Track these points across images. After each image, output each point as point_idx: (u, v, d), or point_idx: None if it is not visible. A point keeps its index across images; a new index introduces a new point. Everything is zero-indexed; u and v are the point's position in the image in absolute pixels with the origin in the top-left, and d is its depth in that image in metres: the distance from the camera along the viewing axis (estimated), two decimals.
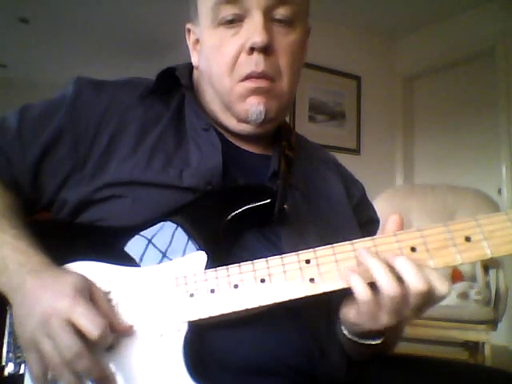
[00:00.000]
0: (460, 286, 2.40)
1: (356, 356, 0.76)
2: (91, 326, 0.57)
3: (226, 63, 0.76)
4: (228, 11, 0.74)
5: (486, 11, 3.90)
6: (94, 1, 3.89)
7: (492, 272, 2.46)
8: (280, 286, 0.63)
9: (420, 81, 4.62)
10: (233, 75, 0.76)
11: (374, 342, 0.68)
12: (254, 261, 0.64)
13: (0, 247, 0.66)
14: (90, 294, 0.62)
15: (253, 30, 0.73)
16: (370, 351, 0.73)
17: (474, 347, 2.39)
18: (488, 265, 2.43)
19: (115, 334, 0.61)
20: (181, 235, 0.69)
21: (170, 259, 0.67)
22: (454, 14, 4.06)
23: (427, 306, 0.61)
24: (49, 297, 0.60)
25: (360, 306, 0.61)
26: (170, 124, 0.81)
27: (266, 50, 0.74)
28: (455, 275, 2.47)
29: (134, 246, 0.69)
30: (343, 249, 0.63)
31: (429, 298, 0.59)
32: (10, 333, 0.67)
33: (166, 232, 0.69)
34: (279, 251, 0.66)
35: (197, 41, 0.83)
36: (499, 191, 3.78)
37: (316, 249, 0.64)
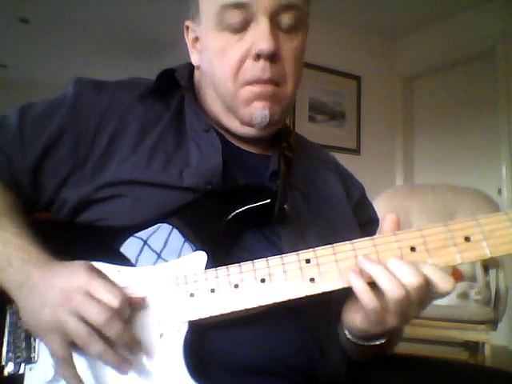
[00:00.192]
0: (460, 286, 2.40)
1: (357, 357, 0.76)
2: (111, 296, 0.58)
3: (231, 67, 0.75)
4: (234, 17, 0.73)
5: (486, 11, 3.90)
6: (93, 1, 3.89)
7: (492, 272, 2.46)
8: (280, 286, 0.63)
9: (420, 81, 4.62)
10: (237, 80, 0.76)
11: (378, 342, 0.68)
12: (254, 260, 0.64)
13: (3, 245, 0.66)
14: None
15: (259, 36, 0.73)
16: (372, 352, 0.73)
17: (474, 347, 2.39)
18: (488, 265, 2.43)
19: (130, 308, 0.62)
20: (176, 237, 0.69)
21: (166, 261, 0.68)
22: (454, 14, 4.06)
23: (429, 301, 0.61)
24: (63, 279, 0.61)
25: (369, 314, 0.61)
26: (170, 124, 0.81)
27: (273, 57, 0.74)
28: (455, 275, 2.47)
29: (129, 247, 0.69)
30: (343, 248, 0.63)
31: (428, 292, 0.59)
32: (9, 332, 0.67)
33: (162, 233, 0.69)
34: (279, 251, 0.66)
35: (196, 39, 0.82)
36: (499, 191, 3.78)
37: (316, 248, 0.64)
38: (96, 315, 0.58)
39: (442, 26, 4.23)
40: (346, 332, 0.70)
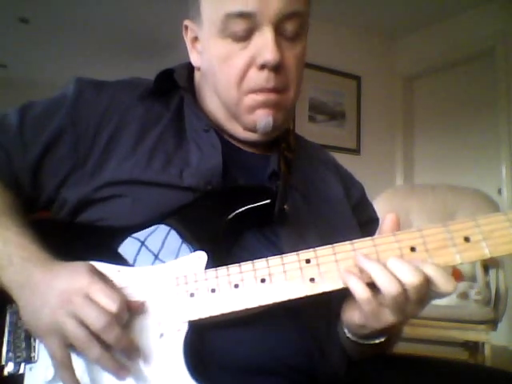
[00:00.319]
0: (460, 286, 2.40)
1: (357, 356, 0.76)
2: (110, 300, 0.58)
3: (235, 76, 0.75)
4: (239, 26, 0.72)
5: (486, 11, 3.90)
6: (94, 1, 3.89)
7: (492, 272, 2.46)
8: (280, 286, 0.63)
9: (420, 81, 4.62)
10: (241, 87, 0.76)
11: (377, 341, 0.68)
12: (255, 261, 0.64)
13: (4, 244, 0.66)
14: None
15: (264, 47, 0.72)
16: (372, 351, 0.73)
17: (474, 347, 2.39)
18: (488, 265, 2.43)
19: (129, 312, 0.61)
20: (174, 238, 0.69)
21: (163, 262, 0.68)
22: (454, 14, 4.07)
23: (429, 300, 0.62)
24: (63, 280, 0.61)
25: (362, 307, 0.61)
26: (170, 125, 0.81)
27: (277, 67, 0.74)
28: (455, 275, 2.47)
29: (127, 248, 0.69)
30: (343, 248, 0.63)
31: (428, 290, 0.59)
32: (9, 332, 0.67)
33: (160, 234, 0.69)
34: (279, 251, 0.66)
35: (195, 38, 0.82)
36: (499, 191, 3.78)
37: (316, 249, 0.64)
38: (94, 319, 0.57)
39: (442, 26, 4.23)
40: (346, 330, 0.70)
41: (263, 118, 0.77)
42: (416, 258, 0.61)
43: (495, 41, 3.87)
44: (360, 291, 0.60)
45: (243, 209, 0.70)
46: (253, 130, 0.79)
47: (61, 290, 0.60)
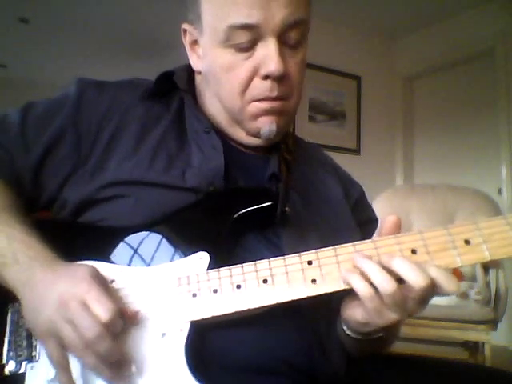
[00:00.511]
0: (460, 286, 2.41)
1: (356, 353, 0.76)
2: (102, 309, 0.57)
3: (239, 85, 0.75)
4: (242, 37, 0.72)
5: (486, 11, 3.90)
6: (94, 1, 3.89)
7: (492, 272, 2.46)
8: (282, 287, 0.63)
9: (420, 81, 4.62)
10: (245, 96, 0.76)
11: (376, 336, 0.68)
12: (257, 262, 0.65)
13: (10, 241, 0.66)
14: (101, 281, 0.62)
15: (268, 58, 0.72)
16: (371, 347, 0.73)
17: (473, 347, 2.39)
18: (488, 265, 2.43)
19: (124, 321, 0.61)
20: (166, 247, 0.69)
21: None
22: (454, 14, 4.06)
23: (431, 298, 0.62)
24: (64, 283, 0.60)
25: (366, 304, 0.62)
26: (171, 126, 0.81)
27: (281, 78, 0.74)
28: (455, 275, 2.46)
29: (120, 253, 0.69)
30: (345, 250, 0.64)
31: (433, 292, 0.60)
32: (11, 331, 0.67)
33: (152, 243, 0.70)
34: (281, 252, 0.66)
35: (195, 42, 0.82)
36: (499, 191, 3.78)
37: (318, 250, 0.64)
38: (86, 330, 0.57)
39: (442, 26, 4.23)
40: (345, 328, 0.70)
41: (267, 125, 0.77)
42: (417, 261, 0.61)
43: (495, 41, 3.87)
44: (363, 289, 0.60)
45: (245, 210, 0.70)
46: (256, 135, 0.80)
47: (59, 293, 0.59)
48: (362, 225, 0.88)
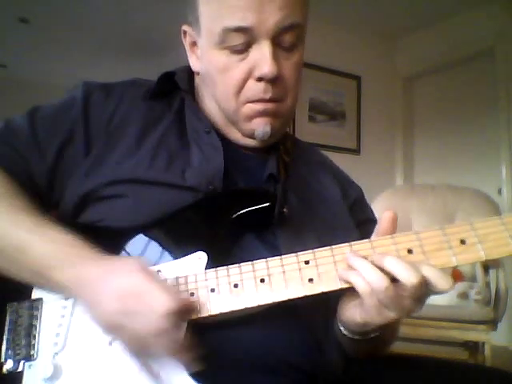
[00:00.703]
0: (460, 286, 2.40)
1: (353, 354, 0.77)
2: (164, 299, 0.57)
3: (233, 86, 0.76)
4: (237, 40, 0.73)
5: (486, 11, 3.90)
6: (93, 1, 3.89)
7: (492, 272, 2.46)
8: (279, 286, 0.63)
9: (420, 81, 4.62)
10: (239, 98, 0.77)
11: (373, 335, 0.68)
12: (254, 261, 0.65)
13: (56, 244, 0.65)
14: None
15: (262, 60, 0.73)
16: (368, 347, 0.73)
17: (473, 347, 2.39)
18: (488, 265, 2.43)
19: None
20: (156, 247, 0.69)
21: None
22: (454, 14, 4.07)
23: (428, 296, 0.62)
24: (120, 277, 0.60)
25: (365, 301, 0.62)
26: (172, 125, 0.82)
27: (275, 80, 0.75)
28: (455, 275, 2.47)
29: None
30: (342, 250, 0.64)
31: (427, 289, 0.60)
32: (9, 330, 0.67)
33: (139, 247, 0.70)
34: (278, 252, 0.67)
35: (194, 43, 0.83)
36: (499, 191, 3.78)
37: (315, 250, 0.65)
38: (150, 321, 0.57)
39: (442, 26, 4.23)
40: (342, 328, 0.70)
41: (261, 127, 0.78)
42: (413, 260, 0.61)
43: (495, 41, 3.87)
44: (362, 285, 0.61)
45: (244, 211, 0.71)
46: (251, 136, 0.80)
47: (118, 287, 0.59)
48: (361, 225, 0.89)
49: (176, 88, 0.86)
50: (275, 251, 0.69)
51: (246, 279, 0.64)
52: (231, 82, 0.76)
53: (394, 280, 0.60)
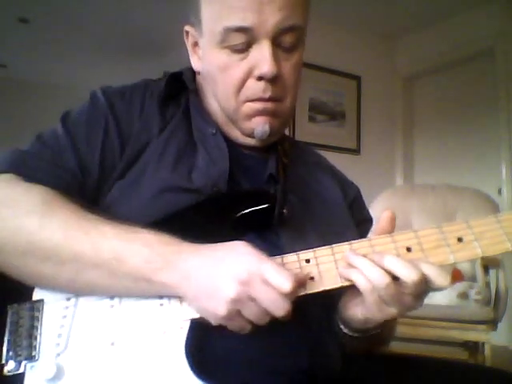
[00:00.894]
0: (460, 286, 2.41)
1: (351, 350, 0.77)
2: (283, 280, 0.58)
3: (233, 85, 0.77)
4: (237, 39, 0.74)
5: (486, 11, 3.90)
6: (94, 1, 3.89)
7: (492, 272, 2.46)
8: None
9: (420, 81, 4.62)
10: (239, 97, 0.78)
11: (373, 332, 0.69)
12: None
13: (150, 246, 0.64)
14: None
15: (261, 60, 0.74)
16: (367, 344, 0.74)
17: (473, 347, 2.39)
18: (488, 265, 2.43)
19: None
20: None
21: None
22: (454, 14, 4.07)
23: (427, 293, 0.63)
24: (231, 263, 0.60)
25: (366, 298, 0.62)
26: (180, 124, 0.83)
27: (274, 79, 0.75)
28: (456, 275, 2.47)
29: None
30: (342, 249, 0.65)
31: (426, 286, 0.61)
32: (10, 331, 0.67)
33: None
34: (280, 252, 0.67)
35: (196, 43, 0.84)
36: (499, 191, 3.78)
37: (315, 249, 0.65)
38: (272, 303, 0.58)
39: (442, 26, 4.23)
40: (342, 326, 0.71)
41: (260, 126, 0.79)
42: (412, 258, 0.62)
43: (495, 41, 3.87)
44: (363, 282, 0.61)
45: (244, 212, 0.71)
46: (250, 135, 0.81)
47: (233, 274, 0.59)
48: (358, 224, 0.90)
49: (183, 88, 0.87)
50: (278, 251, 0.69)
51: None
52: (231, 80, 0.77)
53: (394, 278, 0.61)
